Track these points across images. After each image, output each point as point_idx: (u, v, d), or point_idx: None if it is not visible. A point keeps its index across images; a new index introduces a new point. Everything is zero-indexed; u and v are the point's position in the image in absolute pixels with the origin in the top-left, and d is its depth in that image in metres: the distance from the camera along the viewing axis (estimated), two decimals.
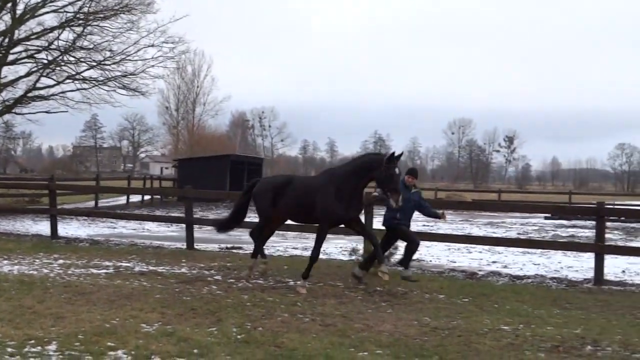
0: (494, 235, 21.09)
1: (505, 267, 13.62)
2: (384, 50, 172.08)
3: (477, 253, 15.88)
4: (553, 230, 23.93)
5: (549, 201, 37.60)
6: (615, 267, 13.02)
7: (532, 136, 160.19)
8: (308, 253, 14.93)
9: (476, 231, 22.80)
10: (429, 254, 15.16)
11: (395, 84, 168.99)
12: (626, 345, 6.89)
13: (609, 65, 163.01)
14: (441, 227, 22.54)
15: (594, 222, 12.23)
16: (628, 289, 11.15)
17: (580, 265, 13.81)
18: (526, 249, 15.63)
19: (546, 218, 29.99)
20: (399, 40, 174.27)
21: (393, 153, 9.81)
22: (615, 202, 37.82)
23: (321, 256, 14.52)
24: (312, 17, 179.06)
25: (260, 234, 11.04)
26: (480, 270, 12.89)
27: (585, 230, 23.28)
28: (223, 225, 11.70)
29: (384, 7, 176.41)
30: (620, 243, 18.83)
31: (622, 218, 25.24)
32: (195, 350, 6.27)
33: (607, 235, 13.26)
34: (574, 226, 26.15)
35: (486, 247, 16.23)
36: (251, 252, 11.32)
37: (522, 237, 21.09)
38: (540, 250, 15.42)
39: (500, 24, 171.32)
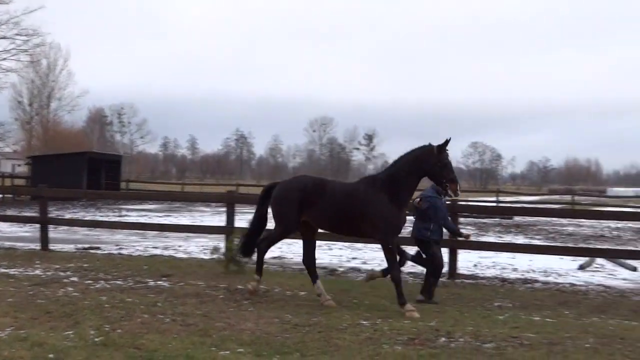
0: None
1: (364, 263, 13.96)
2: (245, 46, 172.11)
3: (338, 250, 16.17)
4: (410, 226, 24.78)
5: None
6: (467, 261, 13.65)
7: (392, 134, 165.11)
8: (168, 252, 14.79)
9: None
10: (290, 251, 15.28)
11: (256, 81, 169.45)
12: (477, 336, 7.23)
13: (465, 63, 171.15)
14: None
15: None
16: (479, 282, 11.72)
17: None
18: None
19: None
20: (259, 35, 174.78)
21: (447, 140, 9.06)
22: (469, 199, 39.71)
23: (182, 255, 14.43)
24: (172, 11, 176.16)
25: (269, 246, 9.77)
26: (340, 267, 13.15)
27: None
28: (247, 247, 9.98)
29: (243, 2, 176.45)
30: (472, 238, 19.77)
31: (474, 214, 26.51)
32: (50, 355, 6.01)
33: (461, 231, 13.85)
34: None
35: (346, 244, 16.54)
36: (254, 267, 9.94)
37: None
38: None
39: (359, 21, 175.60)
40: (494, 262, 14.26)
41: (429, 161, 9.05)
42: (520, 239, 20.59)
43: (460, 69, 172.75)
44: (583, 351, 6.71)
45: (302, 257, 9.72)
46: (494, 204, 36.08)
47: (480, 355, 6.47)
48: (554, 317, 8.51)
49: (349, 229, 9.45)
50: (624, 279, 12.41)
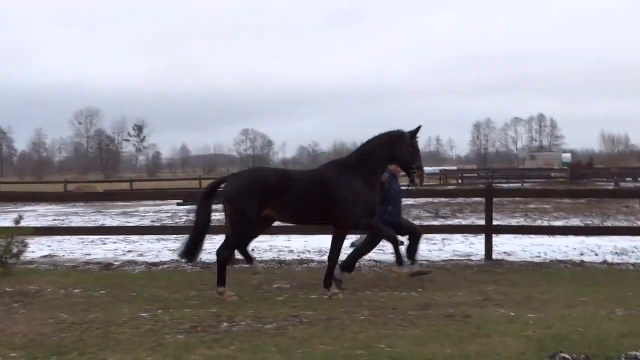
0: (129, 224, 20.95)
1: (141, 255, 13.61)
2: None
3: (112, 244, 15.62)
4: (186, 216, 24.55)
5: (181, 187, 38.52)
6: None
7: (162, 124, 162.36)
8: None
9: (110, 222, 22.40)
10: (62, 248, 14.53)
11: (12, 71, 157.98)
12: (258, 318, 7.37)
13: (231, 53, 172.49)
14: (73, 221, 21.78)
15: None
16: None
17: (213, 247, 14.26)
18: (160, 236, 15.86)
19: (178, 204, 30.64)
20: (10, 17, 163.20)
21: (419, 127, 9.15)
22: None
23: None
24: None
25: (232, 252, 9.01)
26: (116, 261, 12.71)
27: (218, 214, 24.29)
28: (193, 250, 9.04)
29: None
30: None
31: None
32: None
33: None
34: None
35: (121, 237, 16.04)
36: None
37: (156, 224, 21.27)
38: (174, 236, 15.68)
39: (124, 7, 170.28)
40: (270, 245, 14.56)
41: (401, 146, 9.04)
42: None
43: (228, 58, 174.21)
44: (359, 323, 7.08)
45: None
46: None
47: (262, 336, 6.59)
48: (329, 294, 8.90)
49: (319, 218, 9.04)
50: (393, 253, 13.19)
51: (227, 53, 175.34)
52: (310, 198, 8.76)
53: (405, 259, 9.78)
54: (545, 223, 18.71)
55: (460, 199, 25.47)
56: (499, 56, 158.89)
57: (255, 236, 9.39)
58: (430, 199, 28.78)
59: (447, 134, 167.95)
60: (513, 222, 18.61)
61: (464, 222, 19.07)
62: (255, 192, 8.62)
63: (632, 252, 12.96)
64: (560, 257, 12.33)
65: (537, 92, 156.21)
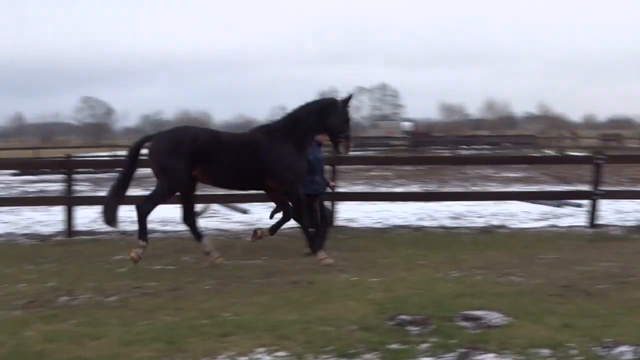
0: None
1: None
2: None
3: None
4: (21, 187, 23.29)
5: (16, 157, 36.44)
6: (85, 217, 13.27)
7: None
8: None
9: None
10: None
11: None
12: (100, 291, 7.13)
13: (67, 18, 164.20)
14: None
15: (63, 176, 12.21)
16: (99, 237, 11.50)
17: (51, 219, 13.71)
18: None
19: (14, 175, 28.98)
20: None
21: (350, 96, 9.06)
22: (84, 154, 38.54)
23: None
24: None
25: (153, 206, 8.39)
26: None
27: (54, 184, 23.21)
28: (111, 211, 8.43)
29: None
30: (89, 194, 19.27)
31: (91, 169, 25.86)
32: None
33: (77, 187, 13.43)
34: (42, 181, 25.83)
35: None
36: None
37: None
38: (9, 207, 14.83)
39: None
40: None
41: (334, 114, 8.91)
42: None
43: (67, 24, 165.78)
44: (204, 293, 7.03)
45: (181, 216, 8.86)
46: (111, 158, 35.63)
47: (103, 309, 6.39)
48: (173, 265, 8.76)
49: (250, 184, 8.88)
50: (237, 222, 13.23)
51: (66, 18, 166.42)
52: (242, 161, 8.56)
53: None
54: (387, 190, 19.36)
55: None
56: (343, 26, 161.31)
57: (189, 202, 8.90)
58: None
59: (293, 102, 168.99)
60: (356, 189, 19.08)
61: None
62: (183, 151, 8.33)
63: (467, 216, 13.70)
64: (400, 222, 12.80)
65: (380, 62, 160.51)
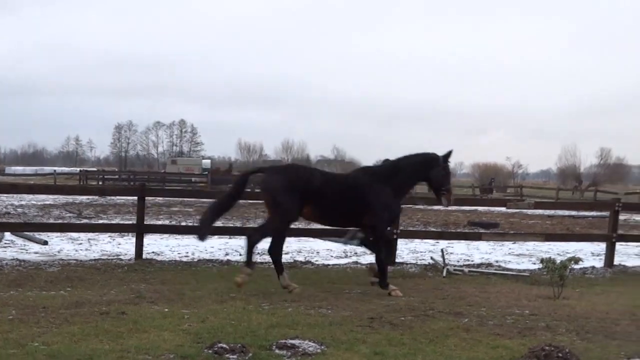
0: None
1: None
2: None
3: None
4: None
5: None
6: None
7: None
8: None
9: None
10: None
11: None
12: None
13: None
14: None
15: None
16: None
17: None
18: None
19: None
20: None
21: (451, 151, 9.74)
22: None
23: None
24: None
25: (261, 239, 9.15)
26: None
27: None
28: (206, 226, 9.48)
29: None
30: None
31: None
32: None
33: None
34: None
35: None
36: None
37: None
38: None
39: None
40: None
41: (435, 168, 9.62)
42: None
43: None
44: (8, 323, 6.60)
45: (269, 248, 9.37)
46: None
47: None
48: None
49: (351, 221, 9.53)
50: (36, 252, 12.52)
51: None
52: (348, 202, 9.25)
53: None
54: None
55: (105, 200, 24.99)
56: (144, 60, 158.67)
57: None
58: (72, 198, 27.89)
59: (88, 134, 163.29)
60: (159, 223, 18.74)
61: (108, 223, 18.72)
62: (298, 189, 8.99)
63: None
64: (207, 256, 12.77)
65: (180, 98, 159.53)
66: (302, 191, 9.03)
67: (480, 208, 29.40)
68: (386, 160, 10.07)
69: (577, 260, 9.58)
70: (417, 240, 15.59)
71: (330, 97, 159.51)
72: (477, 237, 14.19)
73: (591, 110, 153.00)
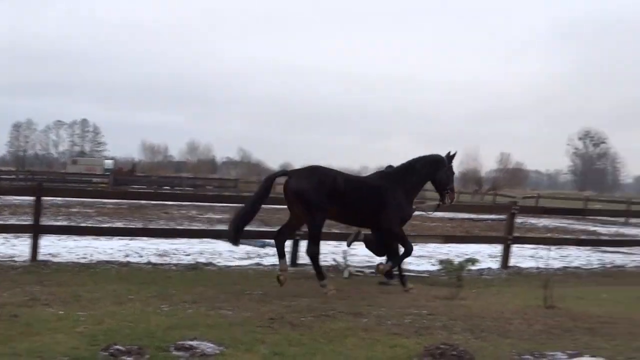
0: None
1: None
2: None
3: None
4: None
5: None
6: None
7: None
8: None
9: None
10: None
11: None
12: None
13: None
14: None
15: None
16: None
17: None
18: None
19: None
20: None
21: (455, 152, 10.63)
22: None
23: None
24: None
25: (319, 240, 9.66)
26: None
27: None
28: (237, 229, 9.77)
29: None
30: None
31: None
32: None
33: None
34: None
35: None
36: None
37: None
38: None
39: None
40: None
41: (442, 169, 10.33)
42: None
43: None
44: None
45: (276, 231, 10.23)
46: None
47: None
48: None
49: (370, 222, 10.06)
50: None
51: None
52: (367, 203, 9.77)
53: None
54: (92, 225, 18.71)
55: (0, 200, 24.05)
56: (44, 56, 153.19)
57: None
58: None
59: None
60: (56, 224, 18.13)
61: (3, 223, 17.98)
62: (326, 191, 9.46)
63: (174, 253, 13.76)
64: (106, 258, 12.47)
65: (82, 97, 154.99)
66: (330, 192, 9.51)
67: None
68: (389, 167, 10.58)
69: (474, 261, 9.93)
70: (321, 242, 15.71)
71: (236, 98, 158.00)
72: None
73: (493, 116, 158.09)
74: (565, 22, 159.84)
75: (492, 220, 27.96)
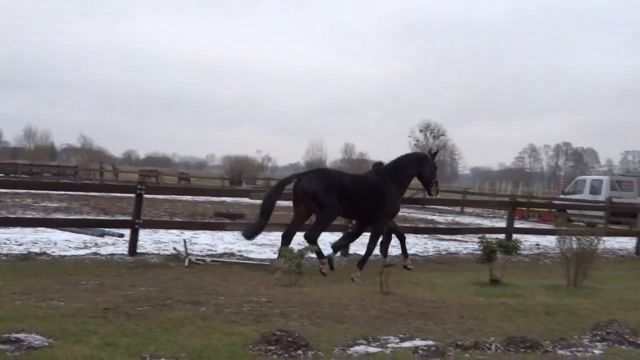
0: None
1: None
2: None
3: None
4: None
5: None
6: None
7: None
8: None
9: None
10: None
11: None
12: None
13: None
14: None
15: None
16: None
17: None
18: None
19: None
20: None
21: (438, 150, 12.55)
22: None
23: None
24: None
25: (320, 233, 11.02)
26: None
27: None
28: (255, 230, 10.98)
29: None
30: None
31: None
32: None
33: None
34: None
35: None
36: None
37: None
38: None
39: None
40: None
41: (427, 164, 11.54)
42: None
43: None
44: None
45: (284, 231, 11.08)
46: None
47: None
48: None
49: (369, 217, 11.14)
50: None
51: None
52: (367, 200, 10.95)
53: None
54: None
55: None
56: None
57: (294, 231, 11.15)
58: None
59: None
60: None
61: None
62: (336, 190, 10.71)
63: (4, 243, 12.86)
64: None
65: None
66: (339, 192, 10.72)
67: (228, 199, 29.81)
68: (379, 164, 11.73)
69: (314, 249, 10.09)
70: (162, 231, 15.40)
71: (77, 85, 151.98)
72: (221, 227, 14.33)
73: (338, 107, 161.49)
74: (409, 19, 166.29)
75: None
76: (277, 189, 11.16)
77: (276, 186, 11.34)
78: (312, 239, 10.71)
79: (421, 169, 11.56)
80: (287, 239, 10.85)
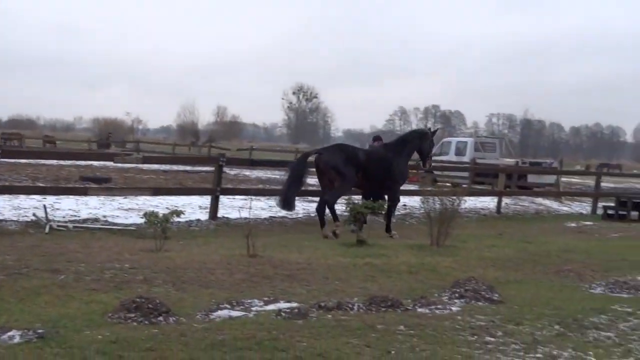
0: None
1: None
2: None
3: None
4: None
5: None
6: None
7: None
8: None
9: None
10: None
11: None
12: None
13: None
14: None
15: None
16: None
17: None
18: None
19: None
20: None
21: (437, 129, 15.93)
22: None
23: None
24: None
25: (336, 199, 12.40)
26: None
27: None
28: (288, 199, 12.36)
29: None
30: None
31: None
32: None
33: None
34: None
35: None
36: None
37: None
38: None
39: None
40: None
41: (426, 140, 13.31)
42: None
43: None
44: None
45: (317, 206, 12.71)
46: None
47: None
48: None
49: (381, 186, 12.79)
50: None
51: None
52: (380, 172, 12.57)
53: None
54: None
55: None
56: None
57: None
58: None
59: None
60: None
61: None
62: (352, 163, 12.25)
63: None
64: None
65: None
66: (355, 163, 12.24)
67: (95, 163, 28.75)
68: (377, 137, 14.94)
69: (178, 213, 9.93)
70: (22, 197, 14.67)
71: None
72: (84, 192, 13.78)
73: (209, 69, 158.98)
74: None
75: (207, 172, 28.11)
76: (302, 158, 12.94)
77: (301, 156, 13.17)
78: (328, 203, 12.25)
79: (422, 144, 13.32)
80: (322, 209, 12.39)
